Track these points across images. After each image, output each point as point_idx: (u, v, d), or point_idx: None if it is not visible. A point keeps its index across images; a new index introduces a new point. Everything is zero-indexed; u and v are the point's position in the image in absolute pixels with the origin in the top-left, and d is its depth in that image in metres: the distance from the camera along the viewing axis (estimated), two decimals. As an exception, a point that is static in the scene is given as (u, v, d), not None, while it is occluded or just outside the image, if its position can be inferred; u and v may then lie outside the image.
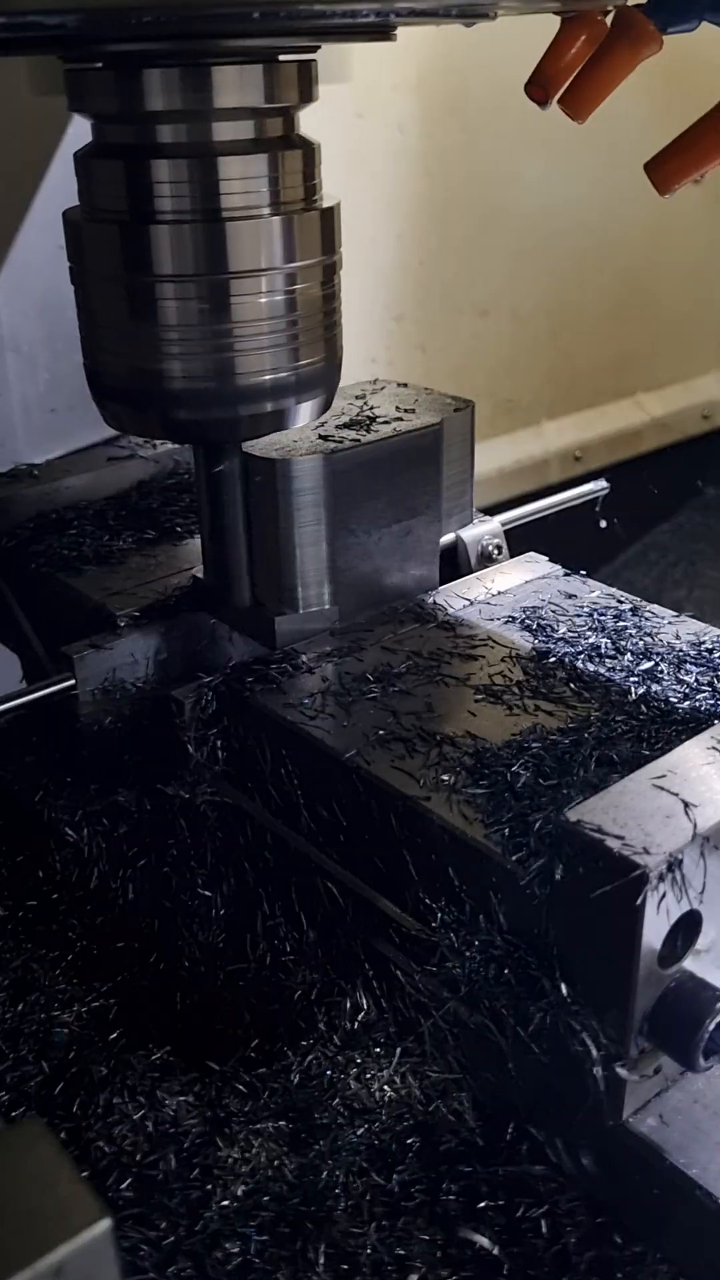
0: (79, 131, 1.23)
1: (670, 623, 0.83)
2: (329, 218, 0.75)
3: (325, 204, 0.75)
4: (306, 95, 0.72)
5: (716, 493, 2.93)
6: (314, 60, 0.73)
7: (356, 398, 0.94)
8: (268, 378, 0.74)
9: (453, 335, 2.23)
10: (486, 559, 0.96)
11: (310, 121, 0.75)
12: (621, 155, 2.25)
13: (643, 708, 0.72)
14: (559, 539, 1.06)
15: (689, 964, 0.58)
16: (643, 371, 2.67)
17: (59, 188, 1.27)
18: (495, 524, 0.98)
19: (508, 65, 1.65)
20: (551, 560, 0.95)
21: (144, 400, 0.75)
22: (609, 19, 0.69)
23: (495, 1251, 0.57)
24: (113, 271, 0.72)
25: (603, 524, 1.07)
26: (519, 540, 0.99)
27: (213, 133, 0.69)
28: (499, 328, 2.30)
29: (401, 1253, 0.57)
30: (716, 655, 0.78)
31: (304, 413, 0.78)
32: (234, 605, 0.86)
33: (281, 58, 0.70)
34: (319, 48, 0.72)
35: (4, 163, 1.24)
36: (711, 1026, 0.56)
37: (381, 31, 0.71)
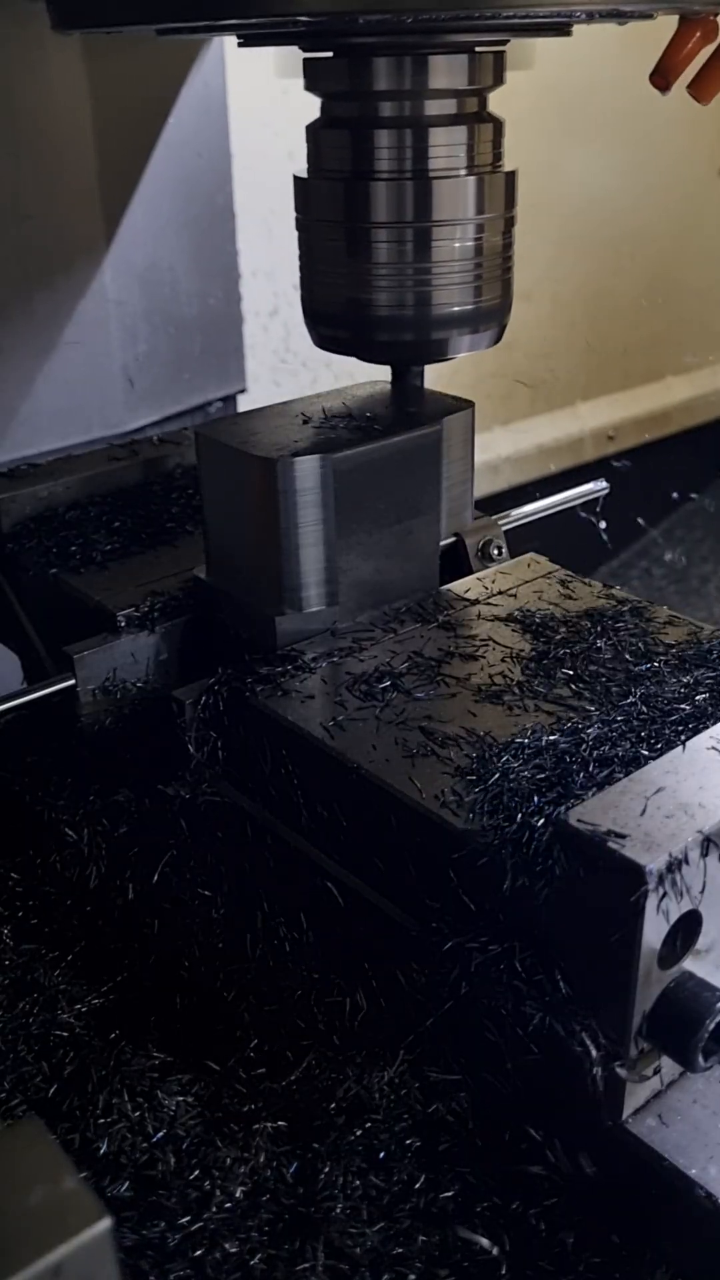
0: (180, 119, 1.33)
1: (670, 623, 0.83)
2: (511, 180, 0.90)
3: (507, 168, 0.90)
4: (498, 79, 0.87)
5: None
6: (504, 51, 0.86)
7: (358, 398, 0.94)
8: (455, 309, 0.88)
9: (497, 319, 2.28)
10: (487, 559, 0.96)
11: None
12: (653, 149, 2.27)
13: (643, 708, 0.72)
14: (561, 538, 1.06)
15: (689, 964, 0.58)
16: (671, 355, 2.71)
17: (161, 170, 1.36)
18: (495, 524, 0.98)
19: (550, 65, 1.68)
20: (561, 556, 0.95)
21: (351, 324, 0.91)
22: None
23: (494, 1252, 0.57)
24: (335, 219, 0.88)
25: (602, 524, 1.07)
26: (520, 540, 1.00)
27: (424, 108, 0.84)
28: (540, 312, 2.34)
29: (400, 1252, 0.57)
30: (716, 655, 0.78)
31: (481, 340, 0.92)
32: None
33: (479, 49, 0.83)
34: (509, 40, 0.86)
35: (115, 144, 1.30)
36: (711, 1026, 0.56)
37: (561, 28, 0.84)
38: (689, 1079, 0.60)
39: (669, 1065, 0.59)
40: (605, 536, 1.07)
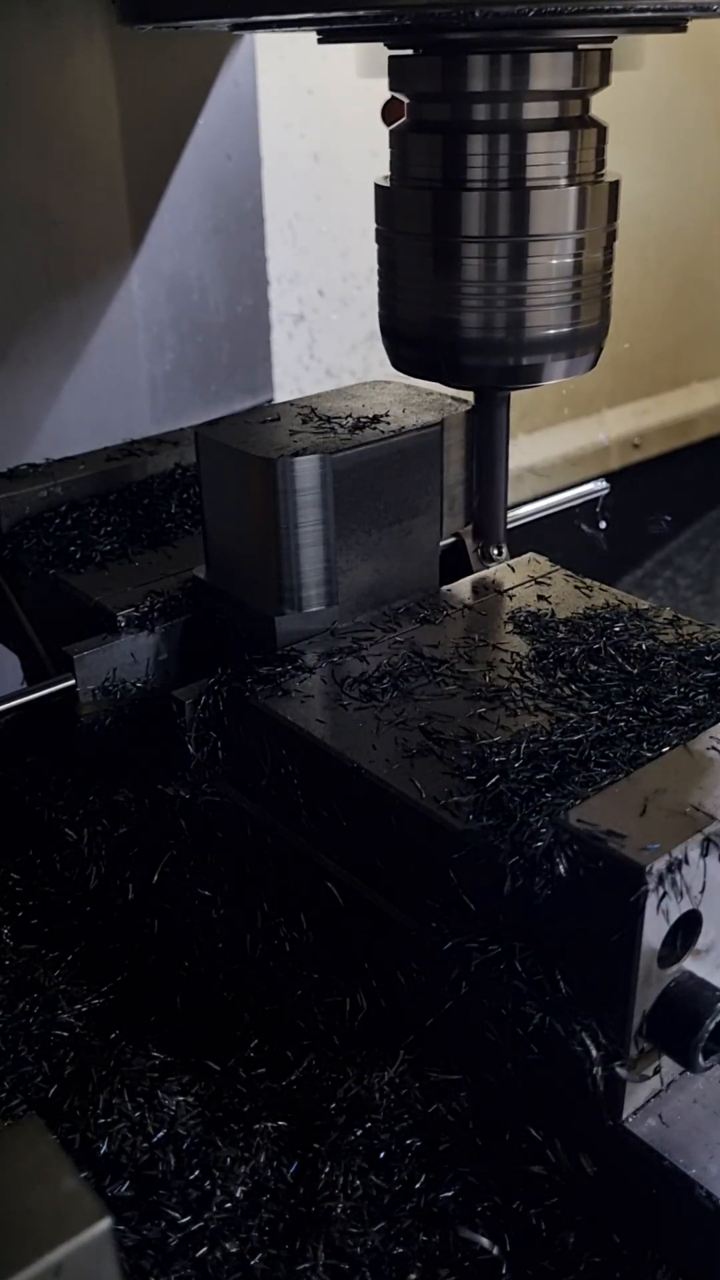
0: (209, 120, 1.31)
1: (670, 625, 0.83)
2: (614, 190, 0.83)
3: (610, 178, 0.83)
4: (604, 80, 0.79)
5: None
6: (610, 49, 0.80)
7: (358, 398, 0.94)
8: (551, 332, 0.83)
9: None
10: (487, 559, 0.96)
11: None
12: (684, 151, 2.26)
13: (643, 708, 0.72)
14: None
15: (689, 964, 0.58)
16: (698, 361, 2.70)
17: (190, 173, 1.35)
18: (495, 524, 0.98)
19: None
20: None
21: (436, 346, 0.85)
22: None
23: (494, 1252, 0.57)
24: (421, 232, 0.82)
25: (603, 525, 1.07)
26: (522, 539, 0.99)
27: (523, 111, 0.77)
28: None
29: (400, 1252, 0.57)
30: (716, 657, 0.78)
31: (578, 366, 0.86)
32: (491, 542, 0.93)
33: (583, 46, 0.77)
34: (616, 37, 0.79)
35: (142, 147, 1.28)
36: (711, 1026, 0.56)
37: (674, 24, 0.78)
38: (689, 1079, 0.60)
39: (669, 1065, 0.59)
40: (604, 535, 1.07)
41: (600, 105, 0.81)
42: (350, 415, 0.89)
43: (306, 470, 0.81)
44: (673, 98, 2.01)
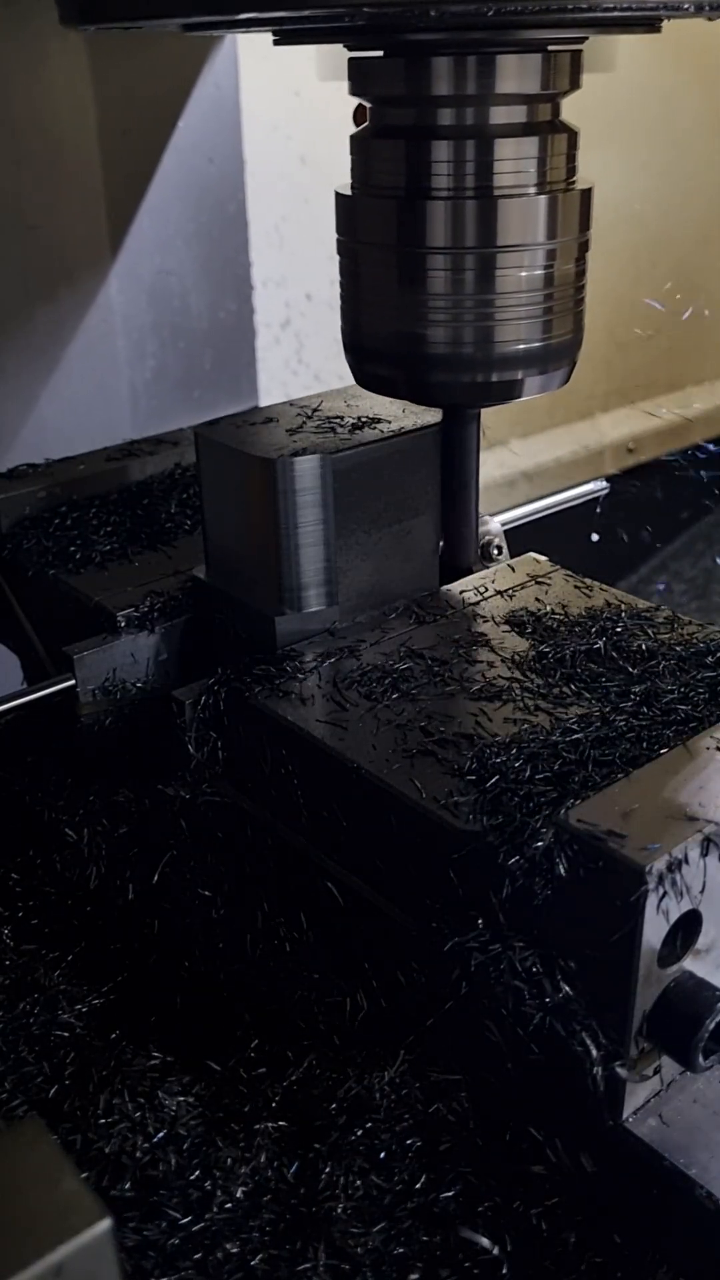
0: (190, 123, 1.30)
1: (670, 623, 0.83)
2: (586, 198, 0.80)
3: (582, 185, 0.80)
4: (575, 83, 0.77)
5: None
6: (581, 50, 0.77)
7: (356, 398, 0.94)
8: (521, 347, 0.80)
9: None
10: (487, 559, 0.96)
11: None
12: (679, 152, 2.25)
13: (643, 708, 0.72)
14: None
15: (689, 964, 0.58)
16: (692, 366, 2.70)
17: (170, 177, 1.34)
18: (495, 524, 0.98)
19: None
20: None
21: (401, 362, 0.83)
22: None
23: (495, 1252, 0.57)
24: (385, 242, 0.78)
25: (599, 527, 1.07)
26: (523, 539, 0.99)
27: (490, 116, 0.74)
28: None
29: (401, 1252, 0.57)
30: (715, 657, 0.78)
31: (551, 381, 0.83)
32: (462, 565, 0.91)
33: (553, 48, 0.74)
34: (587, 39, 0.77)
35: (121, 150, 1.27)
36: (711, 1026, 0.56)
37: (650, 24, 0.75)
38: (689, 1079, 0.60)
39: (669, 1065, 0.59)
40: (600, 539, 1.07)
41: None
42: (350, 415, 0.89)
43: (306, 470, 0.81)
44: (664, 98, 2.01)
